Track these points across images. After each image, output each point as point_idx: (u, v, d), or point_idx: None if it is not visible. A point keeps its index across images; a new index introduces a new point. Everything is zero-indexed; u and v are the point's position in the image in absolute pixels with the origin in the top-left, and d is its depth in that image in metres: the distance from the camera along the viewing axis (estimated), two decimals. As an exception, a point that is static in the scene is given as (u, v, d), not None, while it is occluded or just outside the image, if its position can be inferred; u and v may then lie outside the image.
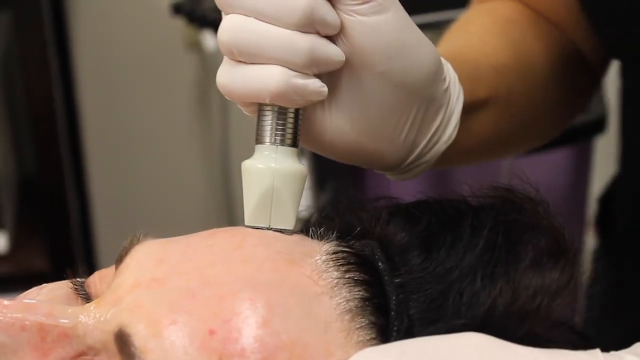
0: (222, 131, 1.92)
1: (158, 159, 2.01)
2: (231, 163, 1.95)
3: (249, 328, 0.51)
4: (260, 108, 0.58)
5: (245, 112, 0.60)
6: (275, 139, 0.58)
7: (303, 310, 0.52)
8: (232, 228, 0.57)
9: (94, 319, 0.53)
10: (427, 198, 0.61)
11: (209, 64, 1.93)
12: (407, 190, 0.65)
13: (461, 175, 1.46)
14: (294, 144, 0.59)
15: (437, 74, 0.62)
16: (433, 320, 0.54)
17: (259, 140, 0.59)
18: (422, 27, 0.62)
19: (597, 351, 0.51)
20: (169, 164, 2.01)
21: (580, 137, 1.57)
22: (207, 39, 1.86)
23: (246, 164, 0.59)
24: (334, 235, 0.57)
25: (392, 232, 0.58)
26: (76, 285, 0.57)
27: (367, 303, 0.53)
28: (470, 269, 0.55)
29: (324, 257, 0.55)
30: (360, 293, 0.53)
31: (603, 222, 1.00)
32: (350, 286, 0.54)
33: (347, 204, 0.63)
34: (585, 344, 0.56)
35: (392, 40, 0.58)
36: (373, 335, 0.53)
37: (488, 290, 0.53)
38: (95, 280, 0.57)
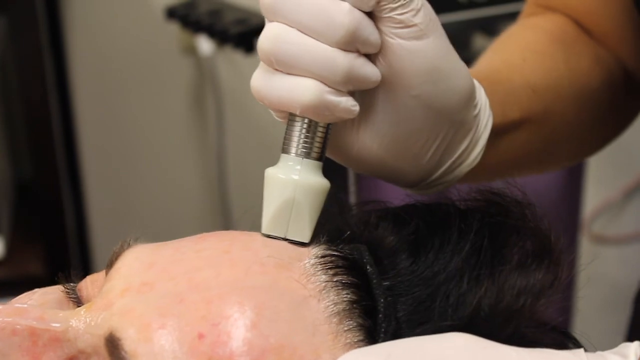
0: (217, 136, 1.92)
1: (154, 163, 2.01)
2: (227, 168, 1.95)
3: (237, 331, 0.51)
4: (290, 117, 0.58)
5: (275, 117, 0.61)
6: (301, 151, 0.58)
7: (291, 313, 0.53)
8: (221, 232, 0.58)
9: (84, 323, 0.54)
10: (415, 202, 0.62)
11: (204, 68, 1.93)
12: (396, 194, 0.65)
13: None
14: (320, 158, 0.59)
15: (469, 101, 0.62)
16: (420, 322, 0.54)
17: (285, 149, 0.59)
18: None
19: (581, 351, 0.52)
20: (165, 169, 2.02)
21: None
22: (202, 44, 1.86)
23: (269, 173, 0.59)
24: (323, 239, 0.58)
25: (380, 235, 0.58)
26: (68, 289, 0.58)
27: (355, 306, 0.54)
28: (457, 272, 0.55)
29: (312, 261, 0.56)
30: (349, 296, 0.54)
31: None
32: (338, 289, 0.54)
33: (336, 208, 0.63)
34: (570, 345, 0.56)
35: (429, 66, 0.59)
36: (361, 338, 0.53)
37: (474, 291, 0.54)
38: (87, 285, 0.58)
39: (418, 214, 0.60)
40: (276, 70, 0.57)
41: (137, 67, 1.95)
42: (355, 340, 0.53)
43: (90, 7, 1.90)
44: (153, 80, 1.97)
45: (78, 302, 0.57)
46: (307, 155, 0.58)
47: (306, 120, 0.58)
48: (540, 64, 0.74)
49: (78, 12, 1.89)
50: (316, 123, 0.58)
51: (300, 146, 0.58)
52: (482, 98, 0.65)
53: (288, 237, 0.58)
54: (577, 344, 0.56)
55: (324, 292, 0.54)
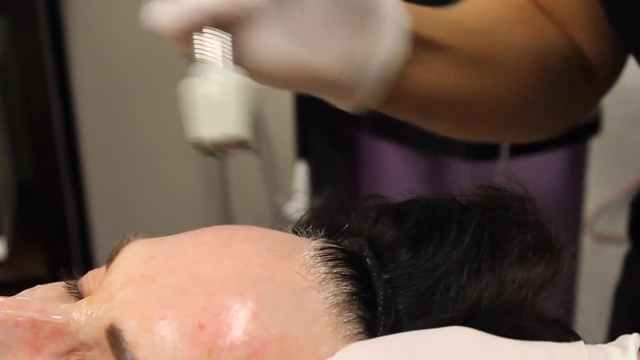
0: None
1: (156, 164, 2.01)
2: (228, 167, 1.95)
3: (238, 322, 0.51)
4: (194, 37, 0.57)
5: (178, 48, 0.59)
6: (211, 58, 0.57)
7: (292, 305, 0.53)
8: (220, 226, 0.58)
9: (85, 316, 0.54)
10: (416, 197, 0.62)
11: (205, 69, 1.94)
12: (398, 190, 0.65)
13: (454, 177, 1.47)
14: (234, 63, 0.58)
15: None
16: (420, 314, 0.54)
17: (198, 59, 0.58)
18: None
19: (581, 343, 0.52)
20: (167, 168, 2.02)
21: (575, 138, 1.57)
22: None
23: (186, 81, 0.58)
24: (322, 232, 0.58)
25: (380, 229, 0.58)
26: (69, 284, 0.58)
27: (354, 297, 0.54)
28: (457, 265, 0.55)
29: (312, 253, 0.56)
30: (348, 288, 0.54)
31: (636, 226, 1.00)
32: (337, 281, 0.54)
33: (337, 204, 0.63)
34: (571, 340, 0.56)
35: None
36: (360, 330, 0.53)
37: (474, 284, 0.54)
38: (88, 280, 0.58)
39: (418, 209, 0.60)
40: None
41: (138, 67, 1.96)
42: (355, 332, 0.53)
43: (91, 7, 1.90)
44: (154, 80, 1.97)
45: (79, 297, 0.57)
46: (218, 60, 0.57)
47: (210, 31, 0.57)
48: (482, 13, 0.75)
49: (79, 12, 1.89)
50: (218, 32, 0.57)
51: (210, 53, 0.57)
52: None
53: (222, 132, 0.56)
54: (577, 339, 0.56)
55: (323, 283, 0.54)
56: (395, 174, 1.51)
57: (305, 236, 0.58)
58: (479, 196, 0.60)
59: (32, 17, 1.62)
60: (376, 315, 0.54)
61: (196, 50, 0.57)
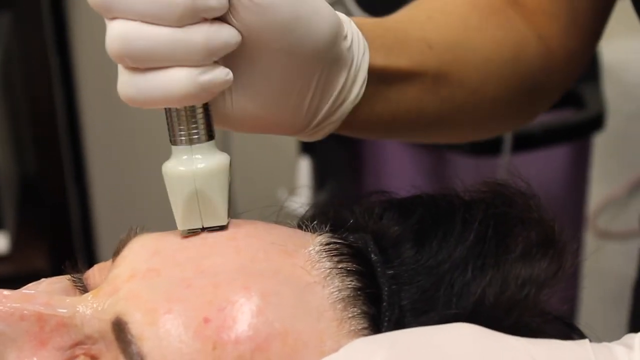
0: (222, 131, 1.92)
1: (159, 159, 2.00)
2: (232, 163, 1.95)
3: (243, 316, 0.51)
4: (167, 109, 0.56)
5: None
6: (189, 139, 0.56)
7: (296, 299, 0.53)
8: None
9: (91, 309, 0.54)
10: (420, 193, 0.62)
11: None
12: (401, 184, 0.65)
13: (457, 172, 1.47)
14: (210, 136, 0.57)
15: (337, 37, 0.60)
16: (424, 310, 0.54)
17: (173, 141, 0.57)
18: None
19: (586, 341, 0.52)
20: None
21: (578, 134, 1.57)
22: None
23: (165, 169, 0.57)
24: (327, 227, 0.58)
25: (385, 225, 0.58)
26: (74, 278, 0.58)
27: (359, 293, 0.54)
28: (461, 261, 0.55)
29: (317, 248, 0.56)
30: (353, 283, 0.54)
31: None
32: (342, 276, 0.54)
33: (341, 199, 0.63)
34: (574, 336, 0.56)
35: (285, 16, 0.56)
36: (365, 325, 0.53)
37: (478, 280, 0.54)
38: (94, 273, 0.58)
39: (423, 205, 0.60)
40: (136, 70, 0.55)
41: (142, 63, 1.95)
42: (360, 327, 0.53)
43: (95, 3, 1.90)
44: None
45: (84, 290, 0.57)
46: (197, 140, 0.56)
47: (183, 108, 0.56)
48: (446, 24, 0.72)
49: (83, 8, 1.89)
50: (194, 106, 0.56)
51: (187, 134, 0.56)
52: (352, 29, 0.62)
53: (205, 226, 0.56)
54: (581, 335, 0.56)
55: (328, 278, 0.54)
56: (398, 169, 1.51)
57: (310, 231, 0.58)
58: (483, 192, 0.60)
59: (36, 12, 1.62)
60: (381, 311, 0.54)
61: (169, 127, 0.57)
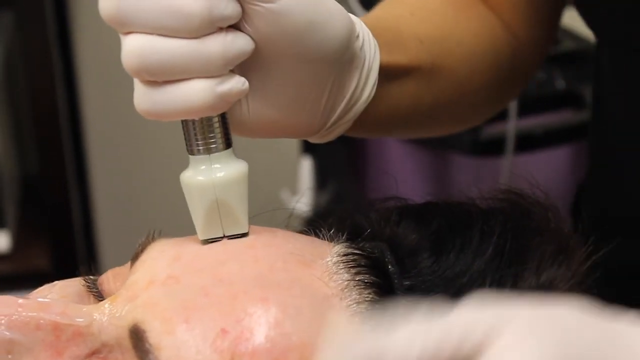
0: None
1: (161, 158, 2.01)
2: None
3: (260, 328, 0.51)
4: (184, 120, 0.56)
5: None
6: (206, 149, 0.56)
7: (314, 312, 0.52)
8: None
9: (108, 316, 0.53)
10: (436, 200, 0.61)
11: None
12: (416, 191, 0.65)
13: (461, 173, 1.47)
14: (227, 145, 0.57)
15: (350, 39, 0.59)
16: None
17: (190, 151, 0.57)
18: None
19: None
20: (173, 164, 2.01)
21: (579, 135, 1.57)
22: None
23: (184, 179, 0.57)
24: (344, 236, 0.58)
25: (402, 233, 0.58)
26: (88, 282, 0.57)
27: (376, 306, 0.54)
28: (480, 274, 0.55)
29: (334, 259, 0.55)
30: (370, 296, 0.54)
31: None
32: (360, 288, 0.54)
33: (355, 204, 0.63)
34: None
35: (299, 22, 0.55)
36: None
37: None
38: (108, 278, 0.57)
39: (439, 213, 0.59)
40: (153, 83, 0.54)
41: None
42: None
43: (98, 2, 1.90)
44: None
45: (99, 295, 0.57)
46: (215, 149, 0.56)
47: (200, 119, 0.55)
48: (429, 18, 0.72)
49: (85, 6, 1.89)
50: (211, 116, 0.56)
51: (204, 144, 0.56)
52: (363, 29, 0.62)
53: (226, 235, 0.56)
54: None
55: (346, 290, 0.54)
56: (400, 169, 1.51)
57: (327, 239, 0.58)
58: (500, 200, 0.59)
59: (38, 11, 1.62)
60: None
61: (186, 138, 0.57)
